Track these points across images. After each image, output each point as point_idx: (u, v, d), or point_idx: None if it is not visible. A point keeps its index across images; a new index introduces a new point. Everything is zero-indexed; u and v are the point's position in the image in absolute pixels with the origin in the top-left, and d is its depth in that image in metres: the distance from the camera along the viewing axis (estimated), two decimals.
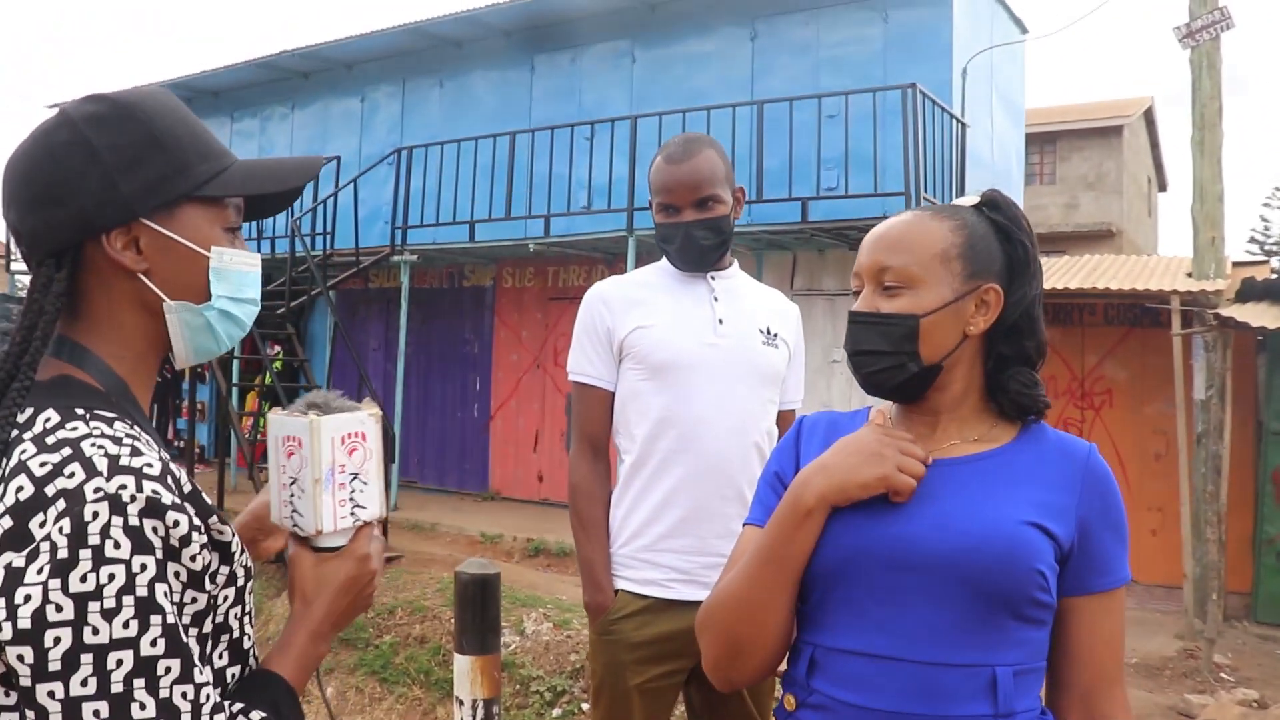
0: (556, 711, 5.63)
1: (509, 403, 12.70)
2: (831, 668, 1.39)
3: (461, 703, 3.18)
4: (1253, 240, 36.13)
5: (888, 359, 1.43)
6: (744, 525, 1.57)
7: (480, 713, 3.15)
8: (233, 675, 1.15)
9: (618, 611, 2.49)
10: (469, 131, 11.92)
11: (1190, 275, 8.15)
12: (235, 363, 12.03)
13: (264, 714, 1.11)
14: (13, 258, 16.25)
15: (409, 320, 12.02)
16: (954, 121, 9.73)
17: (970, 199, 1.56)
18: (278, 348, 12.45)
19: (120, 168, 1.12)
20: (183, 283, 1.17)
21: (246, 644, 1.18)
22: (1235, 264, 9.20)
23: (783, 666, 1.54)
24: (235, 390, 11.22)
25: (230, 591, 1.12)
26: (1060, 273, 9.17)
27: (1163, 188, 32.56)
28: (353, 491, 1.24)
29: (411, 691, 6.20)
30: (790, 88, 10.20)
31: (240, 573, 1.14)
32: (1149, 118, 29.02)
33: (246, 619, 1.18)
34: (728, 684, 1.51)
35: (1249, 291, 8.02)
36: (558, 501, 11.76)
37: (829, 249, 10.29)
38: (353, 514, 1.25)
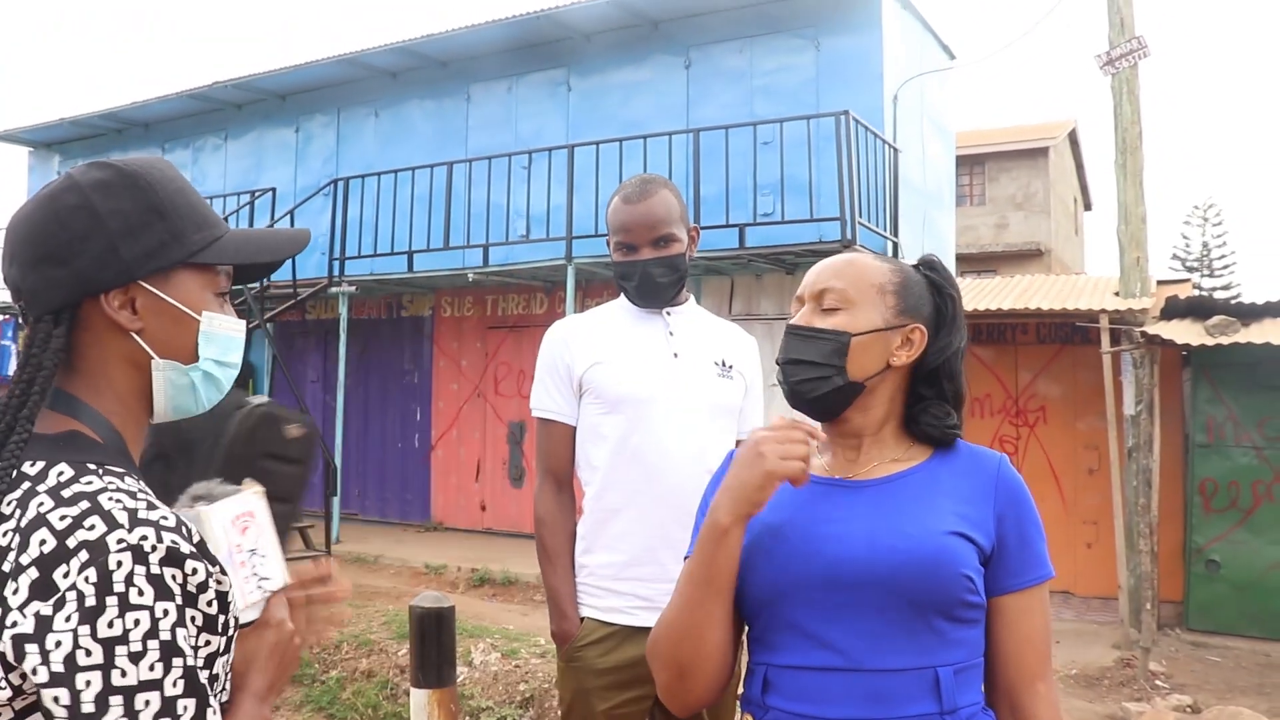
0: None
1: (450, 432, 12.65)
2: (784, 685, 1.48)
3: None
4: (1175, 258, 37.09)
5: (816, 370, 1.54)
6: (685, 559, 1.63)
7: None
8: None
9: (583, 639, 2.55)
10: (405, 161, 11.91)
11: (1117, 294, 8.37)
12: None
13: None
14: None
15: (348, 351, 11.94)
16: (886, 147, 9.92)
17: (909, 261, 1.71)
18: None
19: (122, 233, 1.17)
20: (173, 343, 1.22)
21: (224, 698, 1.20)
22: (1160, 282, 9.44)
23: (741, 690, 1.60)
24: None
25: (223, 641, 1.16)
26: (993, 293, 9.36)
27: (1088, 207, 33.33)
28: (254, 567, 1.29)
29: None
30: (725, 115, 10.34)
31: (232, 622, 1.17)
32: (1073, 139, 29.73)
33: (229, 670, 1.21)
34: (683, 708, 1.58)
35: (1173, 309, 8.24)
36: (501, 530, 11.73)
37: (766, 274, 10.41)
38: (259, 587, 1.30)
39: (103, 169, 1.20)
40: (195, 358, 1.24)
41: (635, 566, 2.53)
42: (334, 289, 11.72)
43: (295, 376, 12.59)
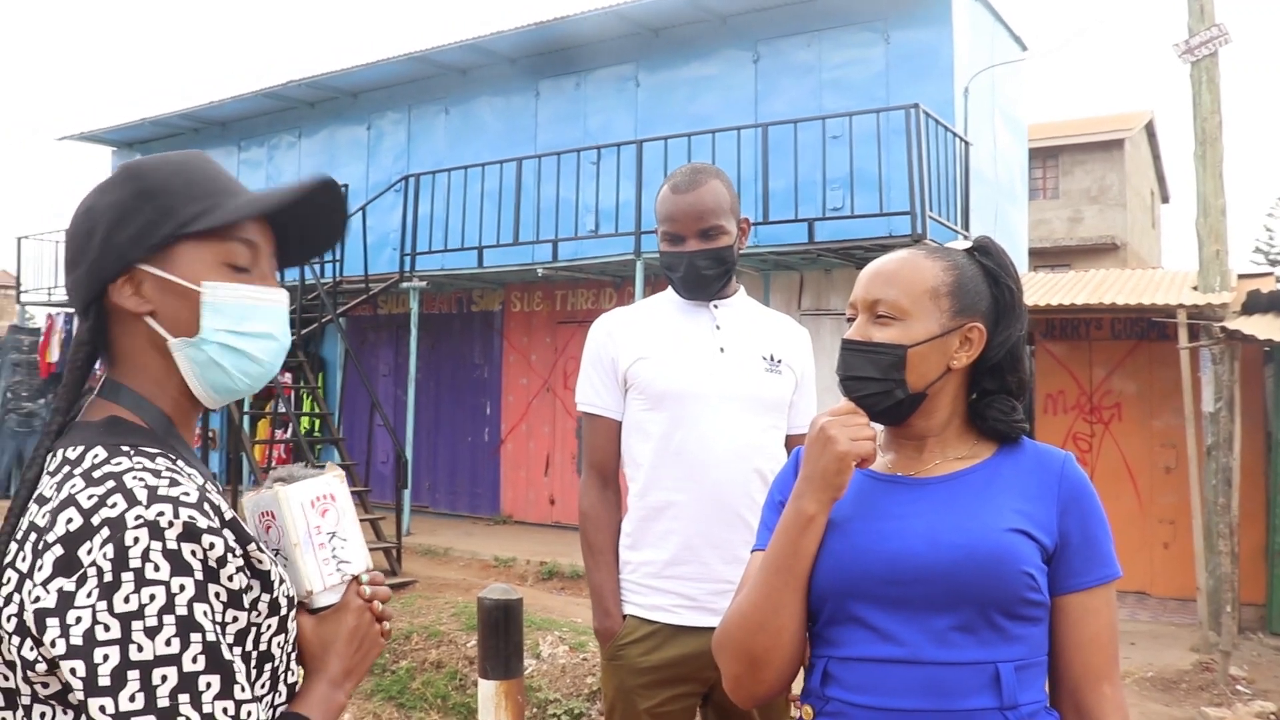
0: None
1: (519, 426, 12.74)
2: (844, 676, 1.49)
3: None
4: (1257, 250, 36.14)
5: (876, 385, 1.53)
6: (752, 552, 1.64)
7: None
8: (269, 704, 1.19)
9: (625, 636, 2.53)
10: (475, 157, 12.02)
11: (1196, 288, 8.18)
12: None
13: None
14: (22, 290, 16.37)
15: (419, 346, 12.09)
16: (957, 140, 9.80)
17: (963, 243, 1.67)
18: (288, 375, 12.49)
19: (113, 222, 1.21)
20: (180, 320, 1.23)
21: (291, 679, 1.24)
22: (1240, 276, 9.20)
23: (798, 687, 1.60)
24: (246, 418, 11.26)
25: (274, 620, 1.17)
26: (1067, 288, 9.20)
27: (1165, 199, 32.62)
28: (334, 549, 1.30)
29: (429, 717, 6.21)
30: (794, 109, 10.29)
31: (283, 601, 1.19)
32: (1150, 131, 29.11)
33: (290, 649, 1.23)
34: (751, 699, 1.58)
35: (1255, 304, 8.04)
36: (570, 524, 11.79)
37: (836, 269, 10.34)
38: (339, 570, 1.30)
39: (117, 170, 1.26)
40: (199, 330, 1.23)
41: (679, 565, 2.51)
42: (405, 284, 11.86)
43: (367, 370, 12.76)
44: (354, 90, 14.26)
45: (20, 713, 1.09)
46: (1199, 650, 7.41)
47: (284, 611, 1.19)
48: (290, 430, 11.36)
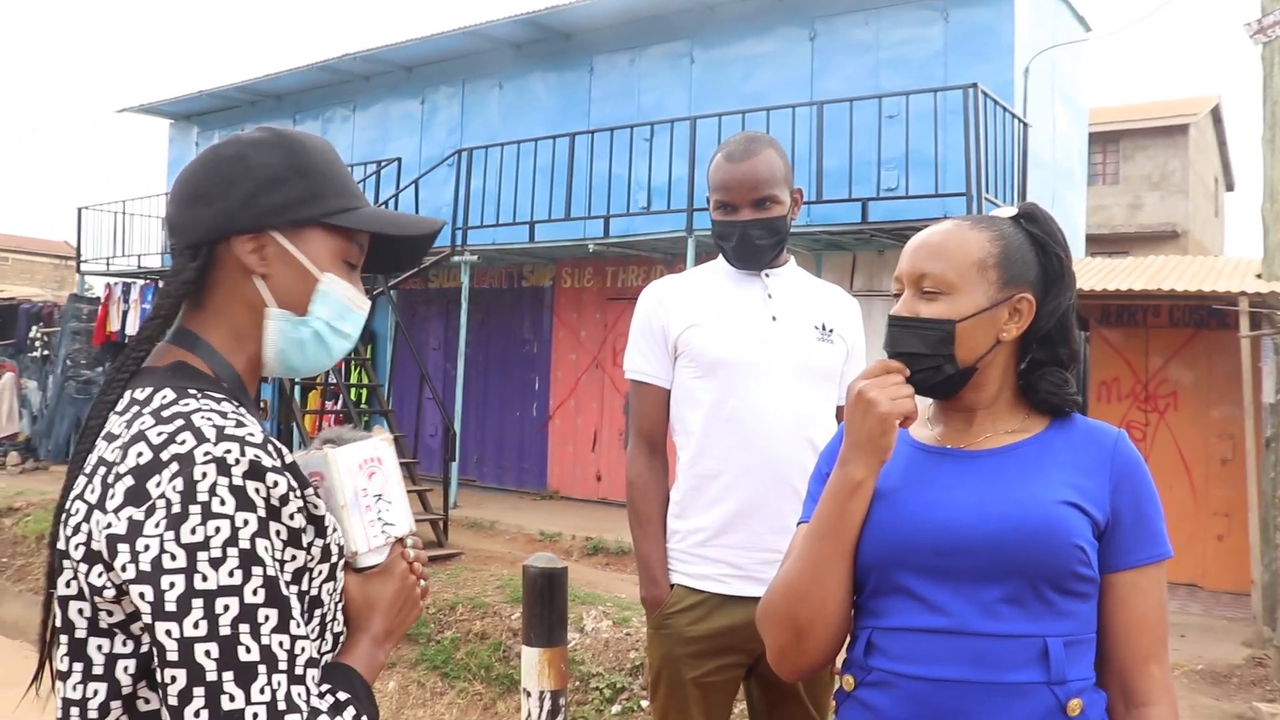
0: (616, 708, 5.67)
1: (568, 402, 12.78)
2: (889, 646, 1.47)
3: (529, 694, 3.24)
4: None
5: (925, 360, 1.51)
6: (798, 524, 1.63)
7: (547, 703, 3.21)
8: (317, 650, 1.20)
9: (673, 606, 2.53)
10: (528, 133, 12.03)
11: (1259, 276, 8.01)
12: None
13: (348, 695, 1.18)
14: (83, 259, 16.62)
15: (469, 320, 12.14)
16: (1016, 121, 9.65)
17: (1009, 210, 1.63)
18: None
19: (265, 182, 1.26)
20: (291, 295, 1.28)
21: (337, 629, 1.26)
22: None
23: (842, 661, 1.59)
24: (297, 388, 11.39)
25: (325, 567, 1.21)
26: (1124, 274, 9.03)
27: (1230, 187, 31.97)
28: (380, 512, 1.32)
29: (473, 686, 6.28)
30: (850, 88, 10.17)
31: (334, 549, 1.22)
32: (1216, 116, 28.52)
33: (337, 598, 1.26)
34: (794, 672, 1.57)
35: None
36: (616, 501, 11.81)
37: (889, 249, 10.23)
38: (383, 531, 1.33)
39: (265, 131, 1.30)
40: (307, 313, 1.29)
41: (728, 534, 2.50)
42: (456, 258, 11.90)
43: (417, 344, 12.84)
44: (408, 64, 14.31)
45: (63, 650, 1.14)
46: (1251, 645, 7.28)
47: (334, 559, 1.23)
48: (340, 401, 11.47)
